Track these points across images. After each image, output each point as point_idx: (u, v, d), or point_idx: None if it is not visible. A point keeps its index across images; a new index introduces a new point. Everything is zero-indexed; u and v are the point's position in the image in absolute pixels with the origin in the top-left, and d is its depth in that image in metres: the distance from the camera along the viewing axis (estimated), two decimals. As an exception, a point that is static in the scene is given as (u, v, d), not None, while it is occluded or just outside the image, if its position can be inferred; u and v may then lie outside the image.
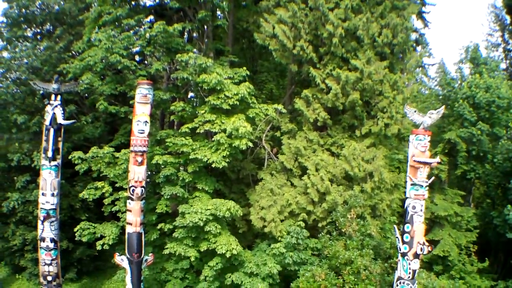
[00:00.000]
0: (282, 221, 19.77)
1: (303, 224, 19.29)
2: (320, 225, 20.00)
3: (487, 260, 23.65)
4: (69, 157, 20.14)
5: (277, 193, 19.88)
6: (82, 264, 24.53)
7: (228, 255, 17.75)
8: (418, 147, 16.12)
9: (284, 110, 19.82)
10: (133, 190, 17.12)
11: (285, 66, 24.74)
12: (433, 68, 35.72)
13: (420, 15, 29.53)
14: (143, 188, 17.17)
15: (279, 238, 19.45)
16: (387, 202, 20.40)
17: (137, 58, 22.17)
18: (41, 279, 20.40)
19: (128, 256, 17.07)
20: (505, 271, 24.30)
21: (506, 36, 33.04)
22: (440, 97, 28.27)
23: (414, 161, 15.98)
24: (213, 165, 18.23)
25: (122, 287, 23.50)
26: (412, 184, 15.93)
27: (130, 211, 17.16)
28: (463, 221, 23.95)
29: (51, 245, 19.84)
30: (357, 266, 18.07)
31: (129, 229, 17.17)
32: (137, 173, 17.12)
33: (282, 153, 20.63)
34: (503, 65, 31.94)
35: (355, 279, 18.22)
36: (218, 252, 17.84)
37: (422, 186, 15.88)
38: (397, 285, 15.86)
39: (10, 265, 24.46)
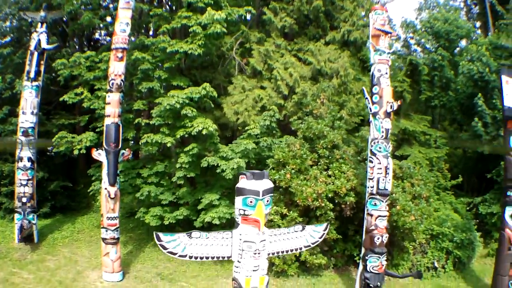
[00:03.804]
0: (255, 115, 20.53)
1: (276, 109, 19.98)
2: (291, 119, 20.76)
3: (460, 176, 24.06)
4: (53, 65, 21.11)
5: (249, 89, 20.89)
6: (56, 199, 24.40)
7: (204, 132, 18.20)
8: (378, 20, 17.40)
9: (254, 11, 21.36)
10: (112, 83, 17.83)
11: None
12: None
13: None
14: (122, 81, 17.94)
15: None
16: (355, 100, 21.45)
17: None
18: (16, 202, 20.33)
19: (106, 147, 17.50)
20: (483, 191, 24.50)
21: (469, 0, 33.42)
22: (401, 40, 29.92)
23: (375, 28, 17.37)
24: (188, 52, 19.31)
25: (96, 220, 23.56)
26: (375, 50, 17.00)
27: (109, 103, 17.77)
28: (431, 139, 24.62)
29: (28, 164, 20.26)
30: (330, 140, 18.65)
31: (107, 121, 17.71)
32: (117, 68, 17.85)
33: (251, 57, 21.86)
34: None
35: (330, 157, 18.76)
36: (194, 132, 18.28)
37: (385, 51, 17.16)
38: (372, 146, 16.13)
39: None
